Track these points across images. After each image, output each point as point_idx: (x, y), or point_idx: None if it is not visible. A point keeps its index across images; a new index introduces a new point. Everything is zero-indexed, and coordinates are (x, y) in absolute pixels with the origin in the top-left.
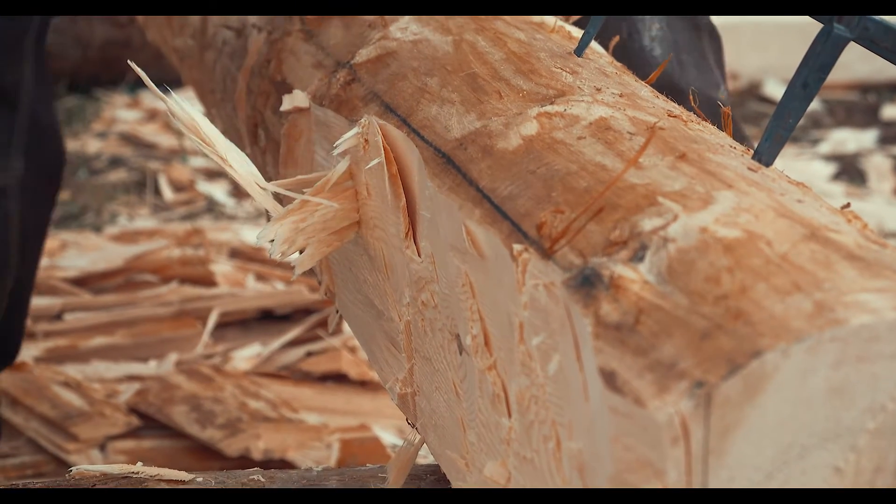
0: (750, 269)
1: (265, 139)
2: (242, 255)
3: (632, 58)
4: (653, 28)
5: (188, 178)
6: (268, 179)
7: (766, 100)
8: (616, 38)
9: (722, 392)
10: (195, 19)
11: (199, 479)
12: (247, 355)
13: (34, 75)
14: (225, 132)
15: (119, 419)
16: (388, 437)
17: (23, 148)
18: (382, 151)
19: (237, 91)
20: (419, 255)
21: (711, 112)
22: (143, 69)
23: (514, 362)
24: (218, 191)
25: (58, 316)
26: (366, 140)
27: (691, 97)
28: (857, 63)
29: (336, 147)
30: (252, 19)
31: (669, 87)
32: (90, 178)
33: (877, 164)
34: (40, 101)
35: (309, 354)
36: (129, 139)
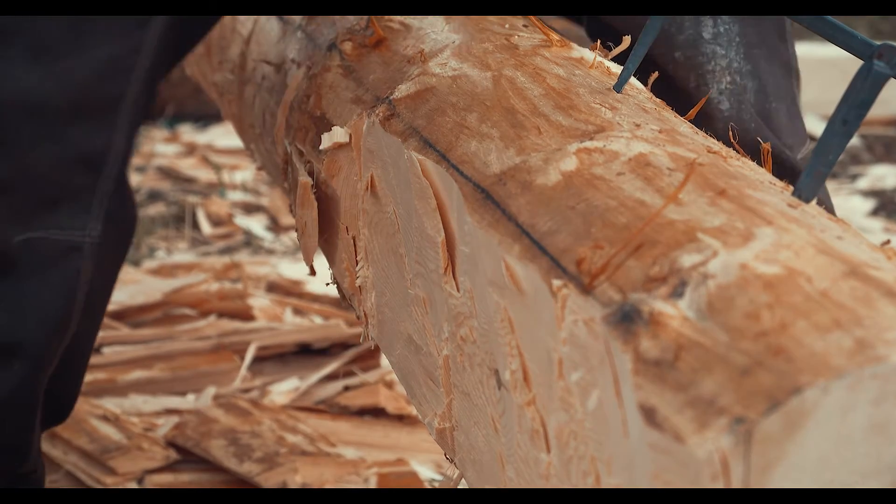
0: (790, 305)
1: (292, 178)
2: (280, 289)
3: (699, 111)
4: (723, 81)
5: (226, 211)
6: (294, 216)
7: None
8: (655, 74)
9: (762, 428)
10: (234, 55)
11: None
12: (284, 389)
13: (126, 143)
14: (264, 167)
15: (157, 453)
16: (426, 472)
17: (104, 214)
18: (428, 187)
19: (276, 126)
20: (458, 291)
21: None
22: (182, 103)
23: (553, 398)
24: (256, 225)
25: (96, 349)
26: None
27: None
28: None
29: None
30: (291, 54)
31: (751, 148)
32: None
33: None
34: (125, 168)
35: (346, 388)
36: (168, 173)
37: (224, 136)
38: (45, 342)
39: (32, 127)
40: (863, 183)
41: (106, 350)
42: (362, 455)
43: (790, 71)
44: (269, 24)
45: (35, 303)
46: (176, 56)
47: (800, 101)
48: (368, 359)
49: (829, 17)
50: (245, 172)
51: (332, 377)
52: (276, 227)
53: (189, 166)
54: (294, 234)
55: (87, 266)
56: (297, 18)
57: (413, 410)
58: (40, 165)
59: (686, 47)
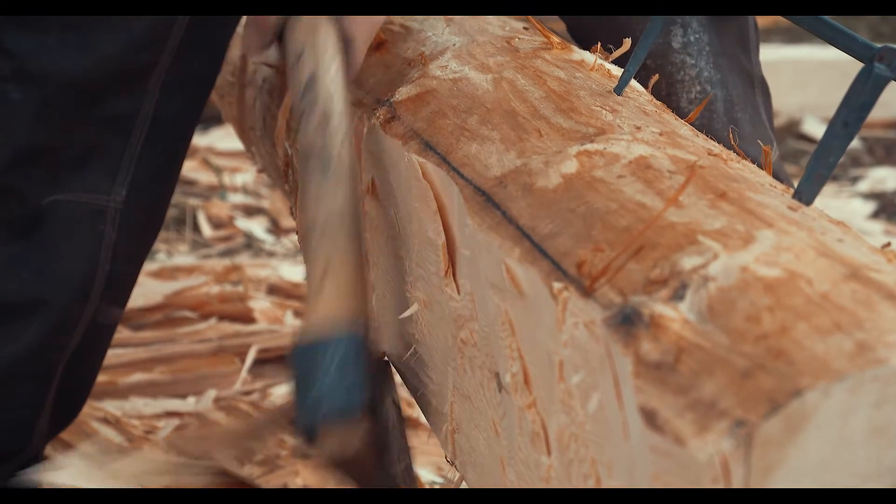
0: (791, 308)
1: (293, 180)
2: (281, 291)
3: None
4: (693, 90)
5: (227, 214)
6: (294, 219)
7: (805, 138)
8: (656, 77)
9: (763, 431)
10: (235, 57)
11: None
12: (285, 392)
13: (155, 113)
14: (265, 169)
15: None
16: (427, 475)
17: (129, 179)
18: (429, 189)
19: (276, 128)
20: (459, 293)
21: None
22: None
23: (554, 400)
24: (257, 227)
25: None
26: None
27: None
28: None
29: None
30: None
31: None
32: None
33: None
34: (165, 146)
35: None
36: None
37: (225, 138)
38: (65, 304)
39: (68, 98)
40: (863, 185)
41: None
42: None
43: (751, 80)
44: None
45: (58, 264)
46: (224, 30)
47: (770, 112)
48: None
49: (830, 20)
50: (246, 175)
51: None
52: (276, 229)
53: (189, 169)
54: (295, 237)
55: (109, 232)
56: None
57: (414, 413)
58: (73, 132)
59: (656, 56)
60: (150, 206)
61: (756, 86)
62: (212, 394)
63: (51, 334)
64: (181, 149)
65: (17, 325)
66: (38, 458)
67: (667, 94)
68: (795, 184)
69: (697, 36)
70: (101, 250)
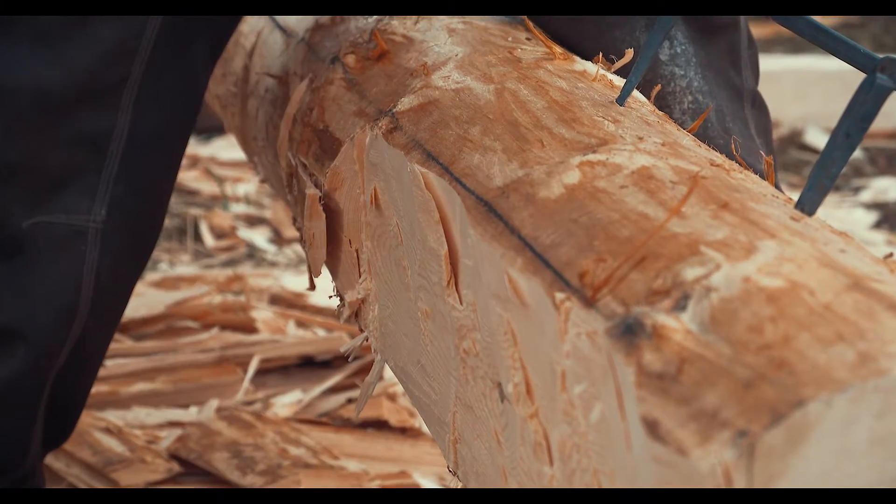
0: (793, 318)
1: (297, 190)
2: (283, 301)
3: None
4: (684, 101)
5: (229, 224)
6: (299, 229)
7: (807, 148)
8: (658, 87)
9: (765, 442)
10: (237, 67)
11: None
12: (287, 402)
13: (131, 129)
14: (267, 179)
15: (160, 465)
16: (429, 485)
17: (108, 198)
18: (432, 199)
19: (279, 138)
20: (461, 303)
21: None
22: None
23: (556, 411)
24: (259, 237)
25: None
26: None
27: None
28: None
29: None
30: (294, 67)
31: None
32: None
33: None
34: (145, 164)
35: (349, 401)
36: None
37: (227, 148)
38: (50, 329)
39: (39, 112)
40: (865, 195)
41: (109, 362)
42: (365, 468)
43: (739, 95)
44: (273, 37)
45: (41, 288)
46: (207, 43)
47: (768, 126)
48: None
49: (832, 31)
50: (248, 185)
51: (335, 389)
52: (278, 239)
53: (192, 179)
54: (297, 247)
55: (91, 252)
56: (300, 31)
57: (416, 423)
58: (47, 149)
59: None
60: (134, 225)
61: (745, 100)
62: (214, 404)
63: (37, 357)
64: (165, 165)
65: (3, 350)
66: (33, 472)
67: (659, 108)
68: (797, 195)
69: (683, 48)
70: (84, 271)
